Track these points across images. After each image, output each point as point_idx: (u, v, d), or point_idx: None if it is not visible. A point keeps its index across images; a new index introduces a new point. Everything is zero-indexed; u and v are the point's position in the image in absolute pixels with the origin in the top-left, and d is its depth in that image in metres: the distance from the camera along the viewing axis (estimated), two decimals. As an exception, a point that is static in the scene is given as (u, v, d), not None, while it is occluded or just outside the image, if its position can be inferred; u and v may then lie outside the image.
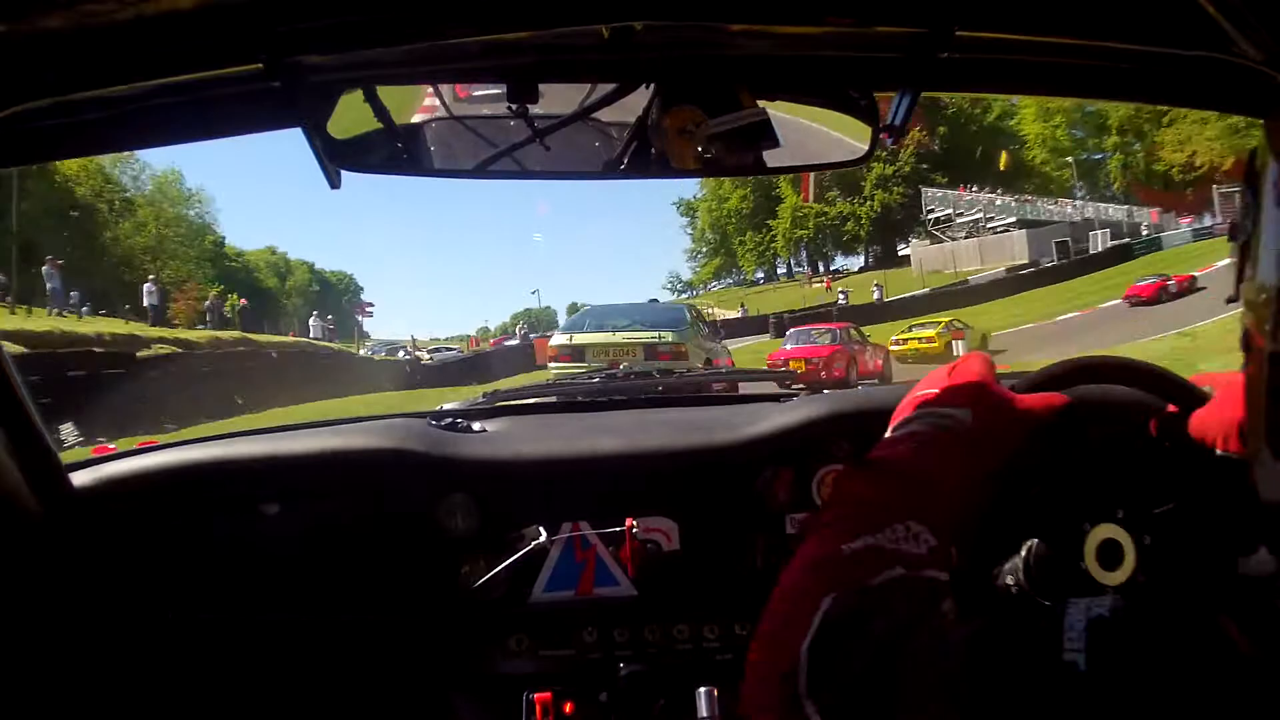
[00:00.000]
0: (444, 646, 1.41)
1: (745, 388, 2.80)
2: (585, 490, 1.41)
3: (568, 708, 1.36)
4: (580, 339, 9.21)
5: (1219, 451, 0.84)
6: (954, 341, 21.33)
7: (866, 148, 0.96)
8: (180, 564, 1.38)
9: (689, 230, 73.59)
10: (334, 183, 0.90)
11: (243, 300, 36.47)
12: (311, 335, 34.35)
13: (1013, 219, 46.56)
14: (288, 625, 1.38)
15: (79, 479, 1.35)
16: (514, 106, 0.89)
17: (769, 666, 0.57)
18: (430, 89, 0.93)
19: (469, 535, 1.39)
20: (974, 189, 50.37)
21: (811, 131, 0.99)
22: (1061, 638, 0.47)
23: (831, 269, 63.38)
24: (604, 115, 0.94)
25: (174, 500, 1.39)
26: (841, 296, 39.91)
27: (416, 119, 0.94)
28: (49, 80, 0.78)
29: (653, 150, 0.93)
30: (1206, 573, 0.77)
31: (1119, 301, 26.67)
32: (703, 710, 1.36)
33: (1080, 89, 0.97)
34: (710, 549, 1.40)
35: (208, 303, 32.20)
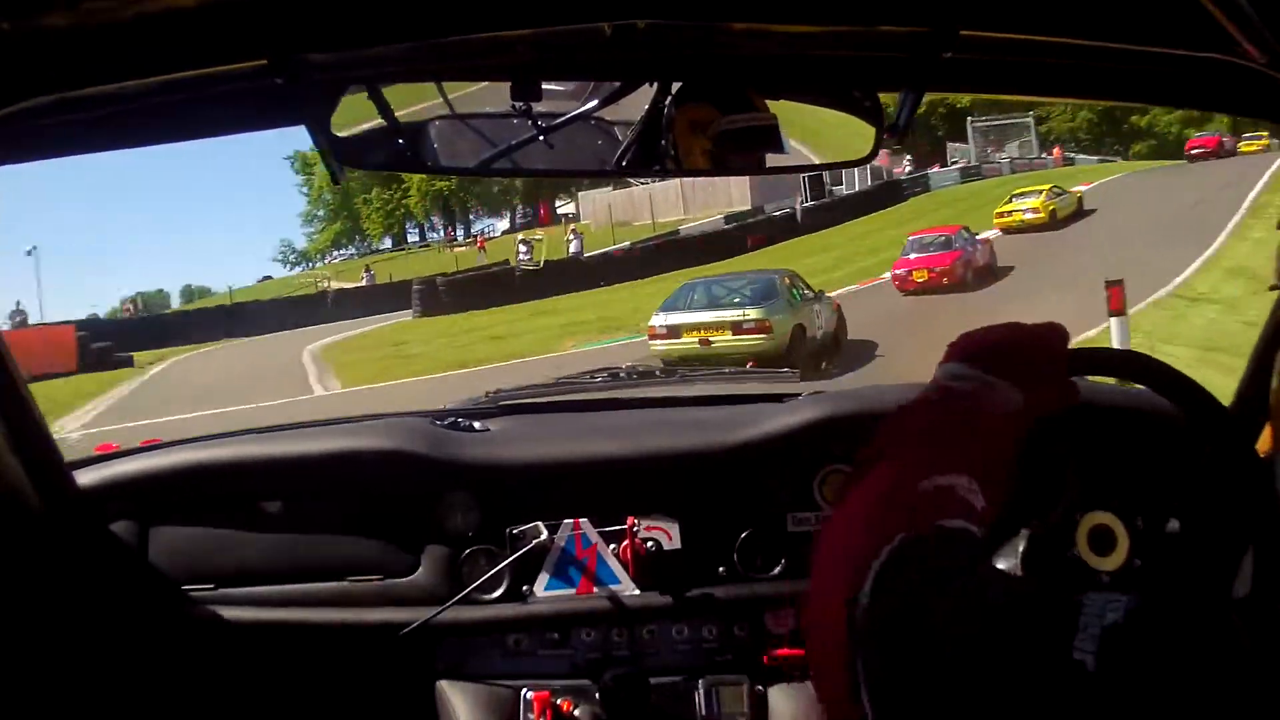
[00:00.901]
0: (443, 645, 1.41)
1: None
2: (586, 489, 1.41)
3: (566, 706, 1.37)
4: (675, 319, 10.34)
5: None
6: (1055, 210, 20.62)
7: (870, 149, 0.96)
8: (181, 562, 1.39)
9: (305, 191, 56.86)
10: (337, 179, 0.90)
11: None
12: None
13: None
14: (288, 624, 1.39)
15: (83, 478, 1.35)
16: (517, 104, 0.89)
17: (833, 592, 0.55)
18: (434, 86, 0.93)
19: (470, 533, 1.39)
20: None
21: (814, 132, 0.99)
22: (1074, 636, 0.47)
23: (474, 231, 49.22)
24: (607, 113, 0.95)
25: (177, 499, 1.39)
26: (523, 252, 26.92)
27: (420, 116, 0.94)
28: (51, 77, 0.78)
29: (657, 148, 0.93)
30: (1208, 572, 0.77)
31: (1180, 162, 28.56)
32: (701, 710, 1.36)
33: (1084, 90, 0.97)
34: (711, 549, 1.40)
35: None
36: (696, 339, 10.02)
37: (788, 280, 11.19)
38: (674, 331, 10.29)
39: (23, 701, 1.23)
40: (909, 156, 35.39)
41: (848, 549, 0.57)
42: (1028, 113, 35.94)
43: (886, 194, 29.94)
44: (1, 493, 1.16)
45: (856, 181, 31.93)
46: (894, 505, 0.59)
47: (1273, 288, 0.88)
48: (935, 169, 34.13)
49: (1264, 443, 1.08)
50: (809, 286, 11.49)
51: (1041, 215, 20.36)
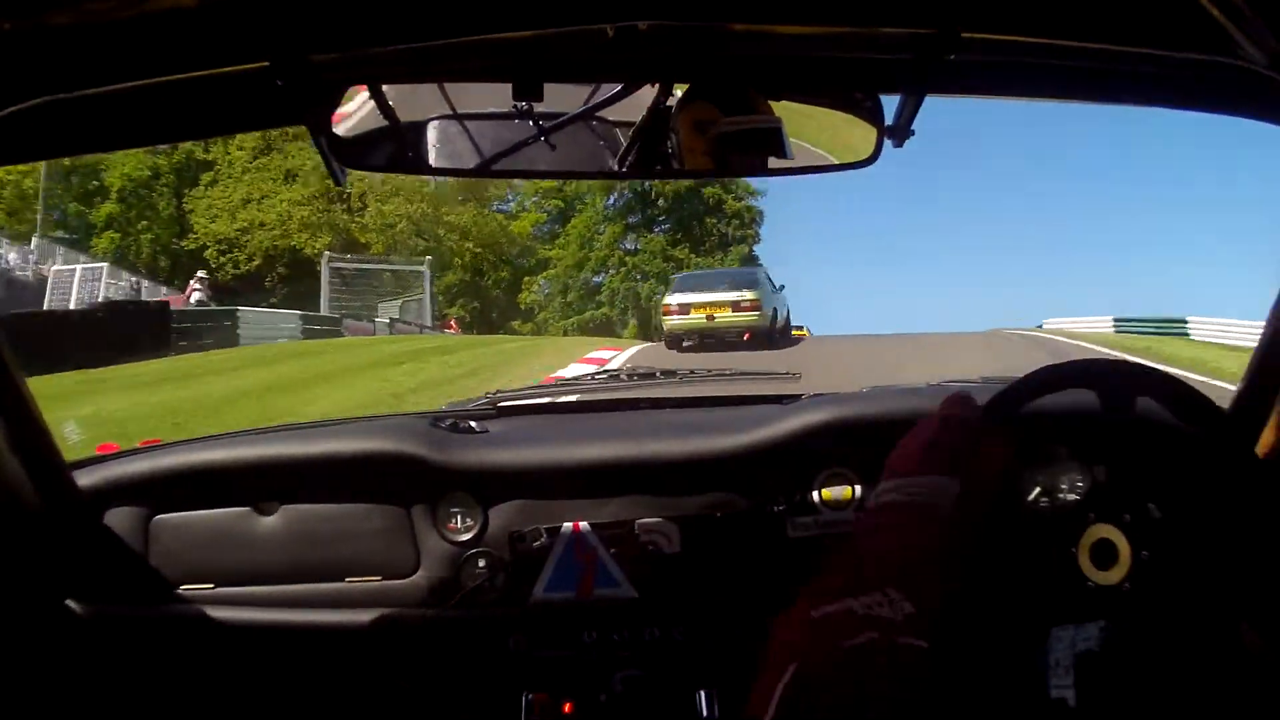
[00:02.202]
0: (443, 647, 1.41)
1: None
2: (586, 491, 1.40)
3: (567, 708, 1.36)
4: (686, 299, 12.60)
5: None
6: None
7: (871, 150, 0.96)
8: (181, 562, 1.38)
9: None
10: (339, 180, 0.91)
11: None
12: None
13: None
14: (286, 625, 1.38)
15: (83, 478, 1.35)
16: (519, 105, 0.89)
17: None
18: (435, 87, 0.94)
19: (469, 535, 1.39)
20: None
21: (815, 133, 0.99)
22: (1046, 673, 0.46)
23: None
24: (608, 114, 0.95)
25: (177, 500, 1.39)
26: None
27: (421, 117, 0.94)
28: (52, 78, 0.78)
29: (658, 149, 0.93)
30: (1211, 575, 0.77)
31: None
32: (703, 712, 1.36)
33: (1086, 92, 0.97)
34: (711, 551, 1.40)
35: None
36: (704, 315, 12.23)
37: (764, 274, 13.76)
38: (684, 309, 12.45)
39: (22, 702, 1.22)
40: (203, 275, 20.54)
41: (751, 699, 0.59)
42: (423, 260, 23.81)
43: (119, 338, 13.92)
44: (1, 492, 1.16)
45: (74, 294, 19.30)
46: (785, 642, 0.61)
47: None
48: (265, 308, 20.82)
49: (1264, 446, 1.09)
50: (772, 280, 14.08)
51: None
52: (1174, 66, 0.86)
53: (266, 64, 0.78)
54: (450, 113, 0.94)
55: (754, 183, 25.98)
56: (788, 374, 2.00)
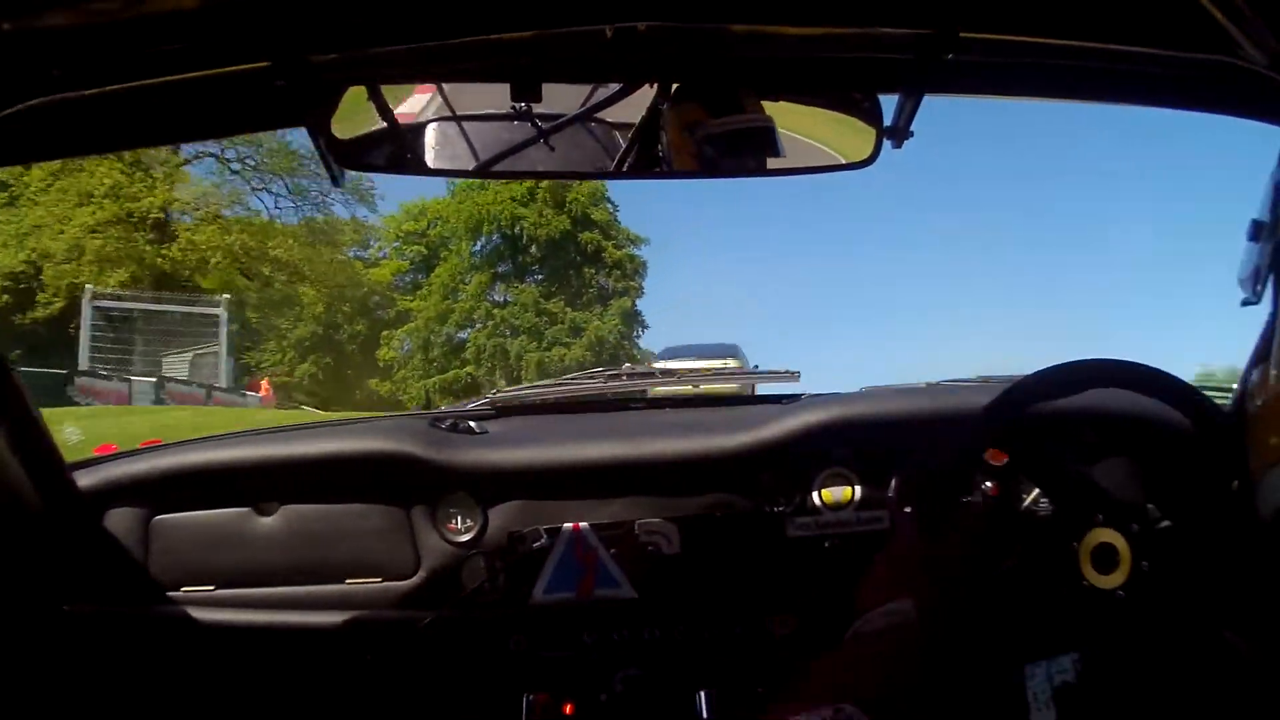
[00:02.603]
0: (443, 648, 1.41)
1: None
2: (586, 492, 1.40)
3: (567, 709, 1.36)
4: (671, 365, 14.18)
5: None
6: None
7: (870, 151, 0.96)
8: (181, 564, 1.38)
9: None
10: (337, 181, 0.91)
11: None
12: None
13: None
14: (287, 626, 1.38)
15: (83, 479, 1.35)
16: (517, 106, 0.89)
17: None
18: (435, 88, 0.94)
19: (469, 535, 1.39)
20: None
21: (815, 134, 0.99)
22: (1027, 710, 0.46)
23: None
24: (607, 115, 0.95)
25: (177, 500, 1.39)
26: None
27: (420, 118, 0.94)
28: (53, 78, 0.78)
29: (655, 150, 0.93)
30: (1206, 581, 0.77)
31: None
32: (703, 712, 1.36)
33: (1086, 92, 0.97)
34: (711, 552, 1.40)
35: None
36: (692, 381, 13.39)
37: (742, 350, 15.18)
38: (671, 374, 13.68)
39: (22, 702, 1.22)
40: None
41: None
42: (216, 299, 18.12)
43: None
44: (1, 493, 1.16)
45: None
46: None
47: (1244, 302, 0.88)
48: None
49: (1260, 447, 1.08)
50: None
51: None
52: (1174, 66, 0.86)
53: (266, 64, 0.78)
54: (449, 113, 0.94)
55: (638, 230, 24.39)
56: (787, 374, 2.00)
